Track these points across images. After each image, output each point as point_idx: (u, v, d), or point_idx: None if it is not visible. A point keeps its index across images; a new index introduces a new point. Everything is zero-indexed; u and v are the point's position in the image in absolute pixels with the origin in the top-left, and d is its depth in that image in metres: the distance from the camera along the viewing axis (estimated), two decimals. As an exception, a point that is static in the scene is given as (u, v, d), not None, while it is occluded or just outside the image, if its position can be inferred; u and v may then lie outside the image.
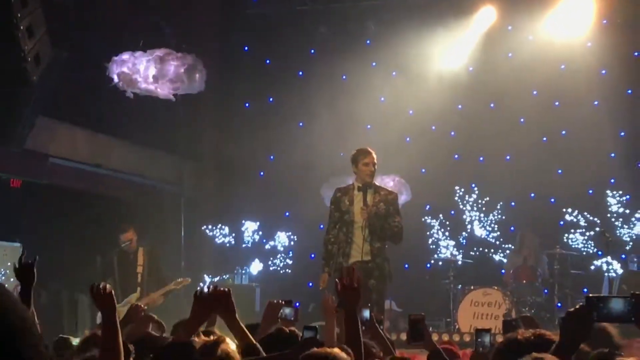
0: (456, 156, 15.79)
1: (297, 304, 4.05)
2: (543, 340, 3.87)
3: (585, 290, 13.83)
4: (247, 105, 16.61)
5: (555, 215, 14.91)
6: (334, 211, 10.19)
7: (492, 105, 15.53)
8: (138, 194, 15.40)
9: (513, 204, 15.25)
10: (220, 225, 15.81)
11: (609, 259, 12.73)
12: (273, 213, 15.95)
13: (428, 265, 15.23)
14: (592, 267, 14.15)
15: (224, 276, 15.09)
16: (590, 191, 15.02)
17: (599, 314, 3.61)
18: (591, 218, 14.63)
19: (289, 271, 15.65)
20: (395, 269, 14.95)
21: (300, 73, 16.39)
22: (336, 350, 4.05)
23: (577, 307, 3.69)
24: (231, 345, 4.34)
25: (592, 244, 14.52)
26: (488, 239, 15.24)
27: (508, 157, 15.42)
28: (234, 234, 15.86)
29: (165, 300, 12.11)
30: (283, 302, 5.86)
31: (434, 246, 15.26)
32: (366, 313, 5.44)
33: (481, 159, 15.66)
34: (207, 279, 14.86)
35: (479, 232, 15.29)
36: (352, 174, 10.26)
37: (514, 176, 14.93)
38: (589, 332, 3.68)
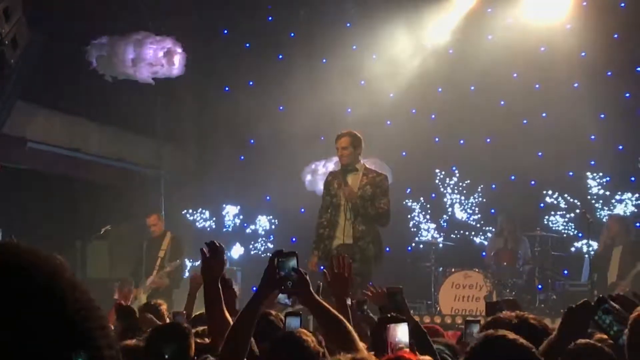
0: (437, 139, 15.77)
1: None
2: (526, 324, 3.88)
3: (565, 272, 13.89)
4: (226, 89, 16.53)
5: (535, 197, 14.94)
6: (325, 195, 10.21)
7: (472, 88, 15.53)
8: (117, 179, 15.34)
9: (494, 186, 15.27)
10: (200, 209, 15.78)
11: (589, 240, 12.75)
12: (254, 197, 15.90)
13: (409, 248, 15.24)
14: (573, 249, 14.21)
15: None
16: (571, 173, 15.06)
17: (598, 316, 3.61)
18: (571, 200, 14.68)
19: (270, 255, 15.59)
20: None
21: (280, 56, 16.32)
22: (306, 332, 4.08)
23: (583, 303, 3.70)
24: None
25: (573, 226, 14.58)
26: (469, 221, 15.27)
27: (488, 140, 15.42)
28: (214, 218, 15.83)
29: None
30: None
31: (414, 229, 15.29)
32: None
33: (461, 141, 15.65)
34: (188, 264, 14.83)
35: (460, 214, 15.32)
36: (332, 157, 10.28)
37: (495, 159, 14.92)
38: (586, 329, 3.70)
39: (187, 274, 14.77)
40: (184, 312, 6.70)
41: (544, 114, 15.36)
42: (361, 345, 3.97)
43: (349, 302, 5.46)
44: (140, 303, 12.00)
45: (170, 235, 13.18)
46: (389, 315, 4.30)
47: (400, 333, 4.03)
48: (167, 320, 6.62)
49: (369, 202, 9.85)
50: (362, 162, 10.23)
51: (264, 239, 15.88)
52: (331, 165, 10.44)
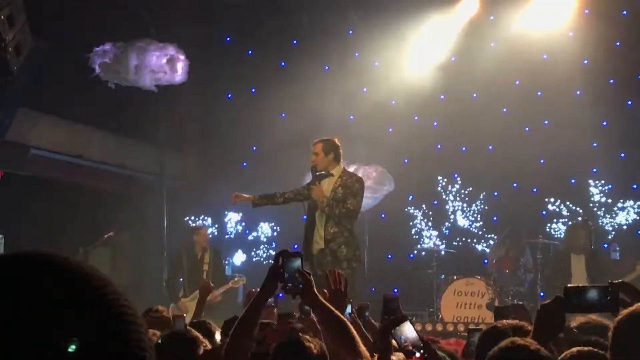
0: (439, 146, 15.78)
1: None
2: (522, 332, 3.89)
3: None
4: (229, 96, 16.56)
5: (537, 204, 14.94)
6: (303, 187, 10.54)
7: (474, 95, 15.54)
8: (120, 185, 15.35)
9: (495, 194, 15.28)
10: (202, 216, 15.78)
11: (592, 247, 12.74)
12: (256, 204, 15.88)
13: (411, 255, 15.23)
14: (575, 257, 14.19)
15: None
16: (573, 181, 15.06)
17: (577, 304, 3.62)
18: (573, 208, 14.68)
19: (272, 262, 15.57)
20: (378, 259, 15.01)
21: (283, 63, 16.34)
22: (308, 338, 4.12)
23: (551, 300, 3.71)
24: None
25: (575, 234, 14.55)
26: (471, 229, 15.27)
27: (490, 147, 15.42)
28: (216, 225, 15.84)
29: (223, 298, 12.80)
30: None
31: (416, 236, 15.29)
32: (347, 308, 5.39)
33: (464, 149, 15.66)
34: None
35: (462, 222, 15.32)
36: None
37: (497, 166, 14.93)
38: (562, 325, 3.70)
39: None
40: (184, 315, 6.71)
41: (546, 122, 15.37)
42: (363, 348, 4.01)
43: (348, 309, 5.48)
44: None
45: (212, 249, 13.43)
46: (389, 318, 4.35)
47: (407, 331, 4.11)
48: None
49: (341, 203, 9.94)
50: (342, 167, 10.31)
51: (265, 245, 15.88)
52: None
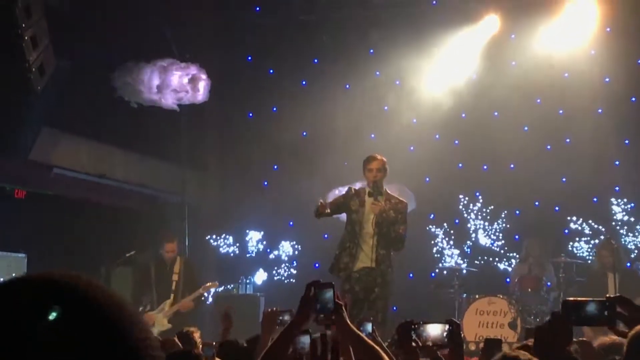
0: (460, 165, 15.75)
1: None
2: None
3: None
4: (250, 115, 16.61)
5: (560, 223, 14.87)
6: (341, 198, 10.41)
7: (495, 113, 15.51)
8: (142, 204, 15.40)
9: (517, 212, 15.21)
10: (224, 235, 15.81)
11: (614, 266, 12.66)
12: (277, 222, 15.93)
13: (433, 274, 15.18)
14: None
15: (229, 286, 15.08)
16: (595, 199, 14.99)
17: (576, 317, 3.64)
18: (596, 226, 14.61)
19: (293, 281, 15.62)
20: (399, 278, 15.00)
21: (304, 83, 16.37)
22: None
23: (552, 317, 3.71)
24: None
25: (597, 252, 14.49)
26: (493, 247, 15.21)
27: (512, 166, 15.38)
28: (238, 244, 15.86)
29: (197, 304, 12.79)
30: (277, 309, 5.87)
31: (438, 255, 15.25)
32: (368, 327, 5.35)
33: (485, 167, 15.62)
34: (212, 289, 14.85)
35: (484, 240, 15.27)
36: (357, 182, 10.39)
37: (518, 184, 14.88)
38: (569, 339, 3.70)
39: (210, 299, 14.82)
40: (215, 343, 6.69)
41: (567, 140, 15.31)
42: None
43: (369, 327, 5.44)
44: (162, 328, 12.00)
45: (183, 259, 13.07)
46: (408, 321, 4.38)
47: (431, 329, 4.13)
48: (200, 348, 6.60)
49: (394, 226, 10.05)
50: (385, 188, 10.40)
51: (287, 264, 15.88)
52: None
